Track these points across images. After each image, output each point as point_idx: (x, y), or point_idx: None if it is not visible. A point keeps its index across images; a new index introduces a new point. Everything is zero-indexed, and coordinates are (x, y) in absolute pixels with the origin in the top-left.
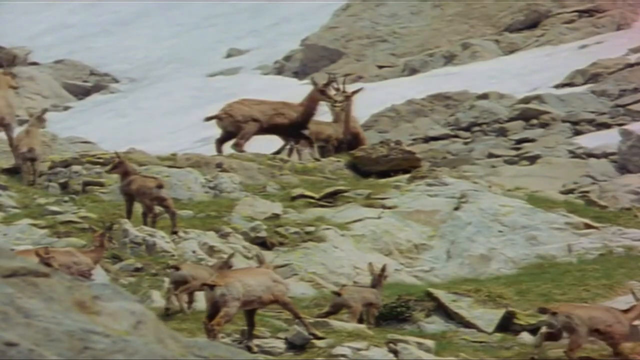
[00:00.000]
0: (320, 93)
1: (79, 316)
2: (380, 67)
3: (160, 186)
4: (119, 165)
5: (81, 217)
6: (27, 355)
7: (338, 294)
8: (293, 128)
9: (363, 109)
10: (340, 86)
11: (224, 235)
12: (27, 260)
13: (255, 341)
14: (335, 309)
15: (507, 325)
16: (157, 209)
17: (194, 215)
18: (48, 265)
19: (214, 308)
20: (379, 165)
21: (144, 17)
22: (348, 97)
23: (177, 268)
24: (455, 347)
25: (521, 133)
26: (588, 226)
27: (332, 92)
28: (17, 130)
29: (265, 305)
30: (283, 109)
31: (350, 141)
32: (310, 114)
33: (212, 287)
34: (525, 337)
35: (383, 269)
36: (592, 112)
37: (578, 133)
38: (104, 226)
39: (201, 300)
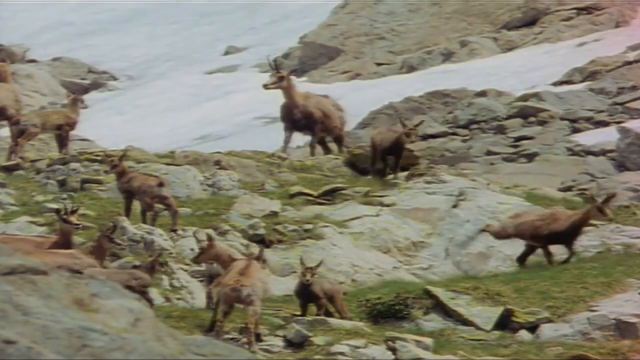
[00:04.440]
0: None
1: (77, 314)
2: (379, 64)
3: (161, 184)
4: (117, 164)
5: (79, 214)
6: (25, 352)
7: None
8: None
9: (361, 107)
10: (272, 64)
11: (222, 233)
12: (26, 258)
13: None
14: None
15: (505, 323)
16: (157, 206)
17: (192, 212)
18: (77, 272)
19: (231, 307)
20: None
21: (142, 14)
22: (282, 78)
23: (212, 262)
24: (454, 344)
25: (519, 131)
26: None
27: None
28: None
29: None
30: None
31: (301, 120)
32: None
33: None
34: (524, 335)
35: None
36: (591, 110)
37: (576, 131)
38: (106, 226)
39: (200, 298)
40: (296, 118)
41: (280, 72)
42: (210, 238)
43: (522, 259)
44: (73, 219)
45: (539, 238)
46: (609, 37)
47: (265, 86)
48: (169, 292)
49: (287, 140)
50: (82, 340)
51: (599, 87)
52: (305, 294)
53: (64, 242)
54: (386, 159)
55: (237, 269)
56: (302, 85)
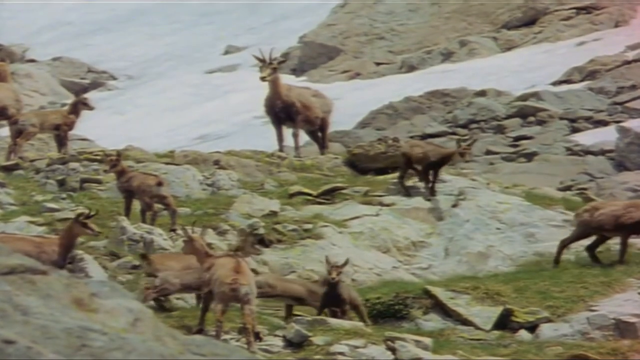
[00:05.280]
0: None
1: (76, 313)
2: (378, 64)
3: (160, 184)
4: (116, 163)
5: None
6: (24, 352)
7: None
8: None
9: (361, 106)
10: (266, 57)
11: (221, 233)
12: (25, 258)
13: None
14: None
15: (504, 322)
16: (157, 206)
17: (192, 212)
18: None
19: (227, 305)
20: (376, 163)
21: (142, 14)
22: (275, 69)
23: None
24: (453, 344)
25: (519, 130)
26: None
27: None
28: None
29: None
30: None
31: (283, 110)
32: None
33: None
34: (523, 334)
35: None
36: (590, 110)
37: (575, 130)
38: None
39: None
40: (277, 109)
41: (273, 64)
42: (186, 233)
43: (592, 249)
44: (94, 226)
45: (622, 228)
46: (608, 36)
47: (263, 78)
48: None
49: (280, 138)
50: (82, 340)
51: (598, 86)
52: (334, 296)
53: (68, 244)
54: (428, 173)
55: (229, 266)
56: (303, 85)
